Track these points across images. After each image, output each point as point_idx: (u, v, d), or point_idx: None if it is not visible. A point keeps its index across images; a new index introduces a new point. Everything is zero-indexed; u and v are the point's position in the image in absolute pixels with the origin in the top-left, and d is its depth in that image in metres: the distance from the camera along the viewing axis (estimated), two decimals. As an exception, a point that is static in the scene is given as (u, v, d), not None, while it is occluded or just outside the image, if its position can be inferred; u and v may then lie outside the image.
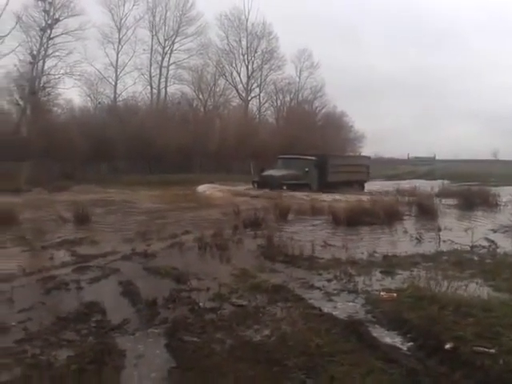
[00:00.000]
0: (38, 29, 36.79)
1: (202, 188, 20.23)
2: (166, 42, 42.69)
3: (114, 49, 42.07)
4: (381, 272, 5.81)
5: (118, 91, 42.13)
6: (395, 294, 4.66)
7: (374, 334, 3.64)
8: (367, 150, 47.74)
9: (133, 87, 43.98)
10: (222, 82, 44.27)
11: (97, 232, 8.96)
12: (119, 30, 41.73)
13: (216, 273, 5.66)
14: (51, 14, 36.90)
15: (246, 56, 44.20)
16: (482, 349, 3.20)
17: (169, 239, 8.08)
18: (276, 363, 3.05)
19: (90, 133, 30.04)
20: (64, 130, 30.63)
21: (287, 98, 46.98)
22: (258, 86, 44.98)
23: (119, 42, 41.92)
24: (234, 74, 44.54)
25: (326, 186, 21.05)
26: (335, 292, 4.91)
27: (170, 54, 43.02)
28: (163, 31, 42.49)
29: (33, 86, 37.41)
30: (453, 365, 3.05)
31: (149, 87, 43.07)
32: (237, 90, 44.12)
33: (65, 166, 27.12)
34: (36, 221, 10.05)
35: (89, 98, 41.65)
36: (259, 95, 45.35)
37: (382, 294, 4.74)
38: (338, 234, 9.40)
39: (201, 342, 3.45)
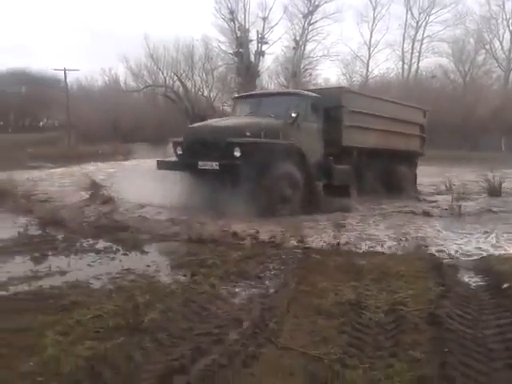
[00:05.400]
0: (300, 16, 40.99)
1: None
2: (421, 15, 42.18)
3: (368, 28, 43.72)
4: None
5: (370, 69, 43.77)
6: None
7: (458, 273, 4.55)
8: None
9: (384, 64, 45.23)
10: (482, 51, 41.32)
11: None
12: (374, 9, 43.08)
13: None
14: (312, 1, 40.61)
15: (510, 20, 40.00)
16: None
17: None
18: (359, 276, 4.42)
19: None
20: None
21: None
22: (523, 52, 40.29)
23: (373, 21, 43.36)
24: (496, 42, 40.87)
25: (338, 158, 9.67)
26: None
27: (425, 27, 42.28)
28: (418, 5, 41.94)
29: (295, 69, 42.10)
30: (495, 296, 3.85)
31: (400, 63, 43.35)
32: (496, 60, 40.44)
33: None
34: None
35: (344, 77, 44.57)
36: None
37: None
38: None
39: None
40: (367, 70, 44.04)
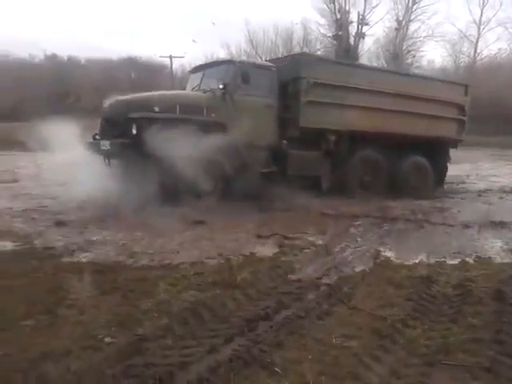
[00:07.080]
0: (405, -5, 39.43)
1: None
2: (540, -11, 38.45)
3: (479, 4, 40.98)
4: None
5: (479, 49, 41.10)
6: None
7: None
8: None
9: (495, 44, 42.19)
10: None
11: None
12: (487, -16, 40.17)
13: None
14: (418, -21, 38.83)
15: None
16: None
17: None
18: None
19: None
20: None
21: None
22: None
23: (485, -3, 40.47)
24: None
25: (310, 143, 8.09)
26: None
27: (545, 0, 38.62)
28: (537, -23, 38.32)
29: (397, 51, 40.79)
30: None
31: (514, 42, 40.13)
32: None
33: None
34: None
35: (449, 58, 42.32)
36: None
37: None
38: None
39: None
40: (475, 51, 41.33)
